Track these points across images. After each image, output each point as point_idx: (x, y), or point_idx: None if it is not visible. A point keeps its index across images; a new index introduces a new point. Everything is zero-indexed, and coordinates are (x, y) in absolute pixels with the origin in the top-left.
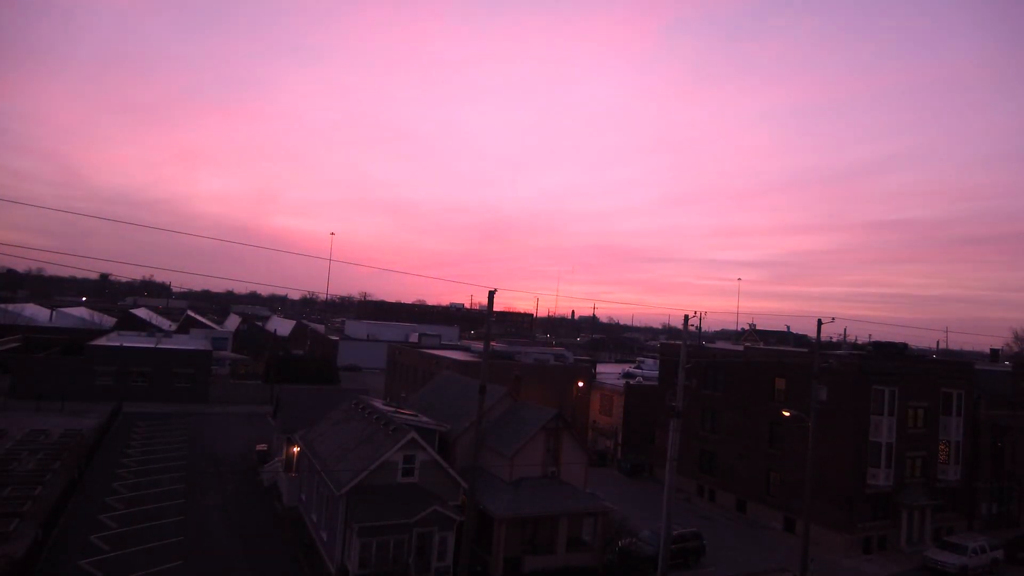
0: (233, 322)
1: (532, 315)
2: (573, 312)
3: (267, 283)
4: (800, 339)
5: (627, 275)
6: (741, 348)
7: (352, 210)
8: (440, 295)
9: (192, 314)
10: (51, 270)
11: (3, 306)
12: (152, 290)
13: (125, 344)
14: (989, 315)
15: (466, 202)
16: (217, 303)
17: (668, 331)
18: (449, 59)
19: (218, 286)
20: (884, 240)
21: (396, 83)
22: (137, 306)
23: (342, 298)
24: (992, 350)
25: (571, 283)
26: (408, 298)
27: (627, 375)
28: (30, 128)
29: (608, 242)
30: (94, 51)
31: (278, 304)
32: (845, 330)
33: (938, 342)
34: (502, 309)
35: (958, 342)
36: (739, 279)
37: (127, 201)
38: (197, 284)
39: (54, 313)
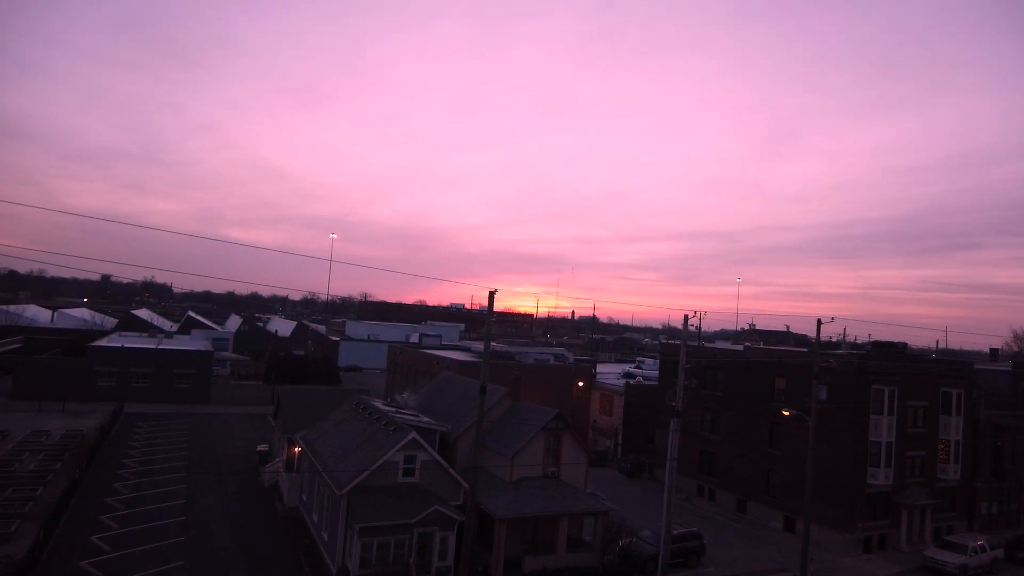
0: (234, 323)
1: (533, 315)
2: (573, 312)
3: (268, 284)
4: (800, 339)
5: (551, 277)
6: (741, 348)
7: (286, 222)
8: (412, 295)
9: (193, 315)
10: (52, 271)
11: (5, 307)
12: (153, 291)
13: (126, 345)
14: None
15: (376, 215)
16: (224, 305)
17: (668, 331)
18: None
19: (219, 287)
20: (702, 247)
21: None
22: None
23: (343, 298)
24: (992, 349)
25: (518, 284)
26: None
27: (627, 375)
28: (17, 161)
29: (501, 249)
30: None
31: (278, 305)
32: (845, 330)
33: (937, 342)
34: (502, 310)
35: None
36: (739, 280)
37: (98, 216)
38: (197, 285)
39: (55, 314)
